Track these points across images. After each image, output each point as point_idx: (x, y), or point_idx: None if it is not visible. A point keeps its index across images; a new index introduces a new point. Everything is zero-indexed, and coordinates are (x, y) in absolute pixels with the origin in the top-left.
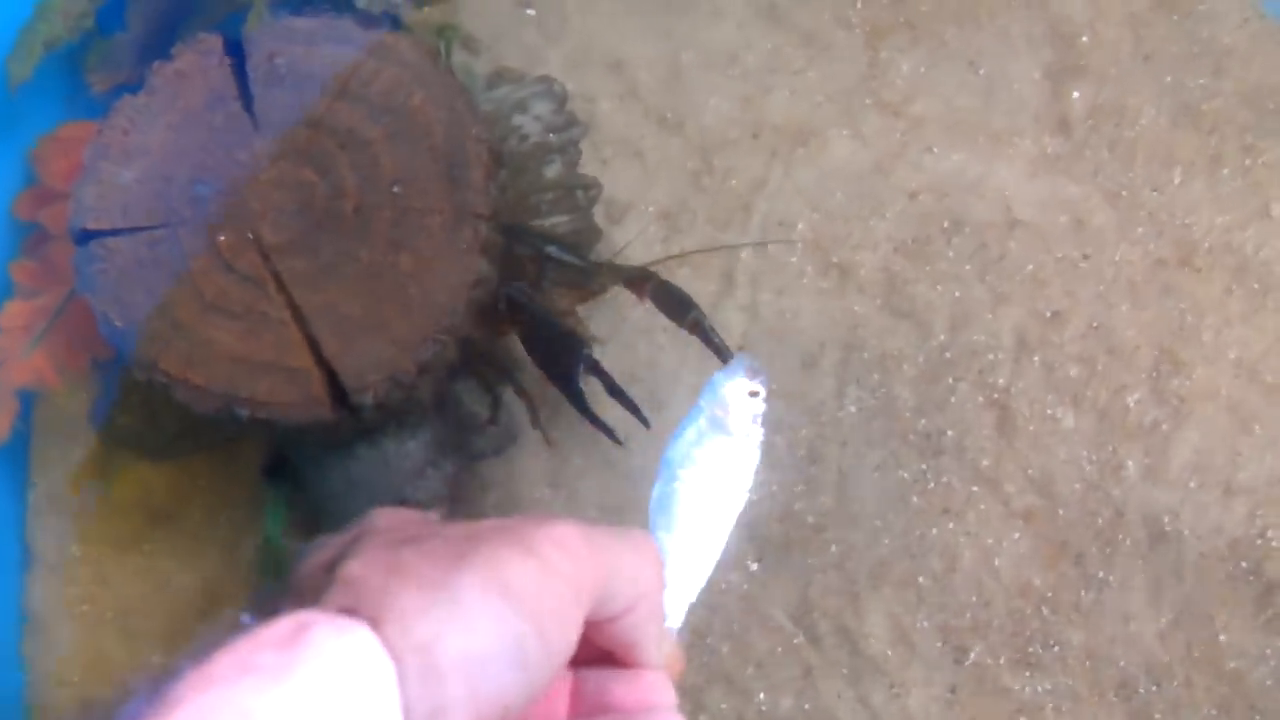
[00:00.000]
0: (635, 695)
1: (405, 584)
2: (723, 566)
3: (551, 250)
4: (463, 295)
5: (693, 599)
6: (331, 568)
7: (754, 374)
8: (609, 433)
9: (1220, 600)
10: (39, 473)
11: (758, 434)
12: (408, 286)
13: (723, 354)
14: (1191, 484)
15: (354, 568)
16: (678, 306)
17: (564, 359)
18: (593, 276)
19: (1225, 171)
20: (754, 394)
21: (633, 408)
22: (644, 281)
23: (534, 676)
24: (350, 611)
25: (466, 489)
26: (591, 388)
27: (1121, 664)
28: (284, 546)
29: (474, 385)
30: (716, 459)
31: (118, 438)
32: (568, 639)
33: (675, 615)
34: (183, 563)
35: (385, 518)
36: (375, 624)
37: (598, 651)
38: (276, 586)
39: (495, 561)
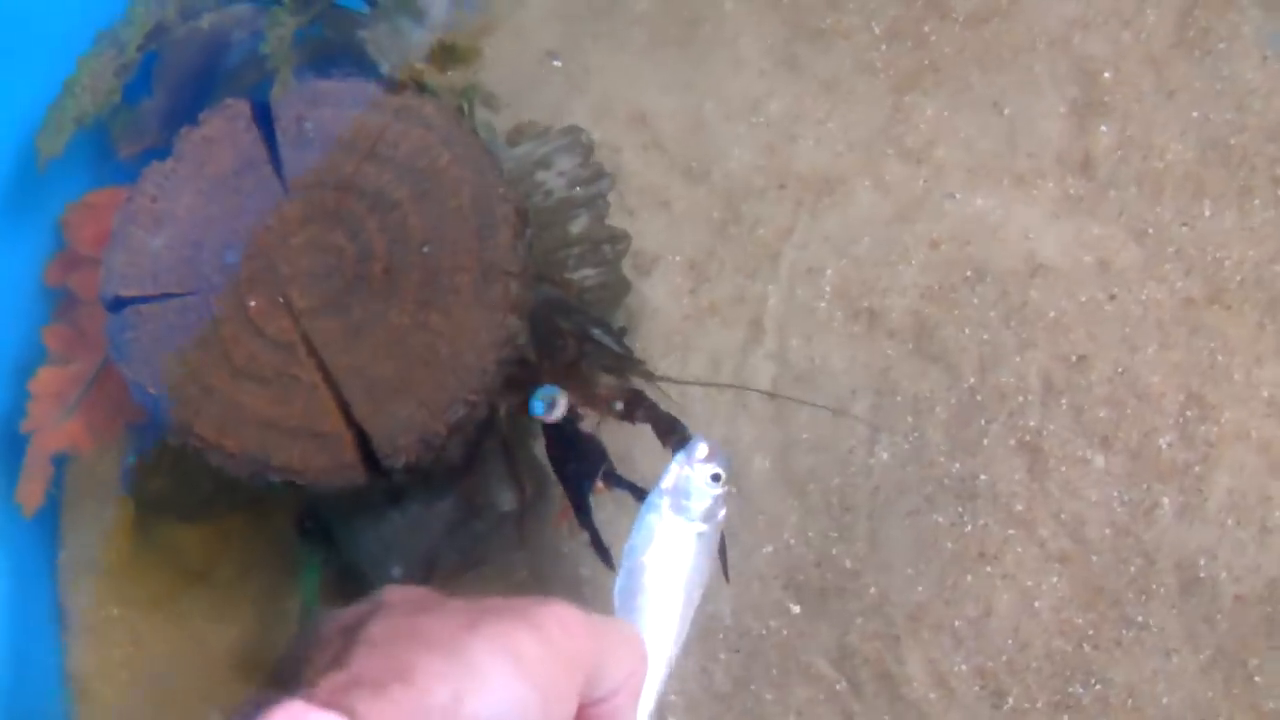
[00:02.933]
0: None
1: (426, 647)
2: (760, 615)
3: (595, 333)
4: (493, 354)
5: (659, 687)
6: (349, 632)
7: (715, 458)
8: (604, 556)
9: (1256, 643)
10: (70, 536)
11: (720, 518)
12: (438, 346)
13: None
14: (1228, 523)
15: (376, 631)
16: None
17: (583, 466)
18: (630, 367)
19: (1256, 202)
20: (716, 478)
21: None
22: (668, 433)
23: None
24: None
25: (496, 548)
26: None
27: (1165, 701)
28: (319, 614)
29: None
30: (678, 544)
31: (150, 500)
32: (566, 711)
33: (646, 703)
34: (216, 623)
35: (398, 593)
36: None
37: None
38: (287, 654)
39: (505, 632)
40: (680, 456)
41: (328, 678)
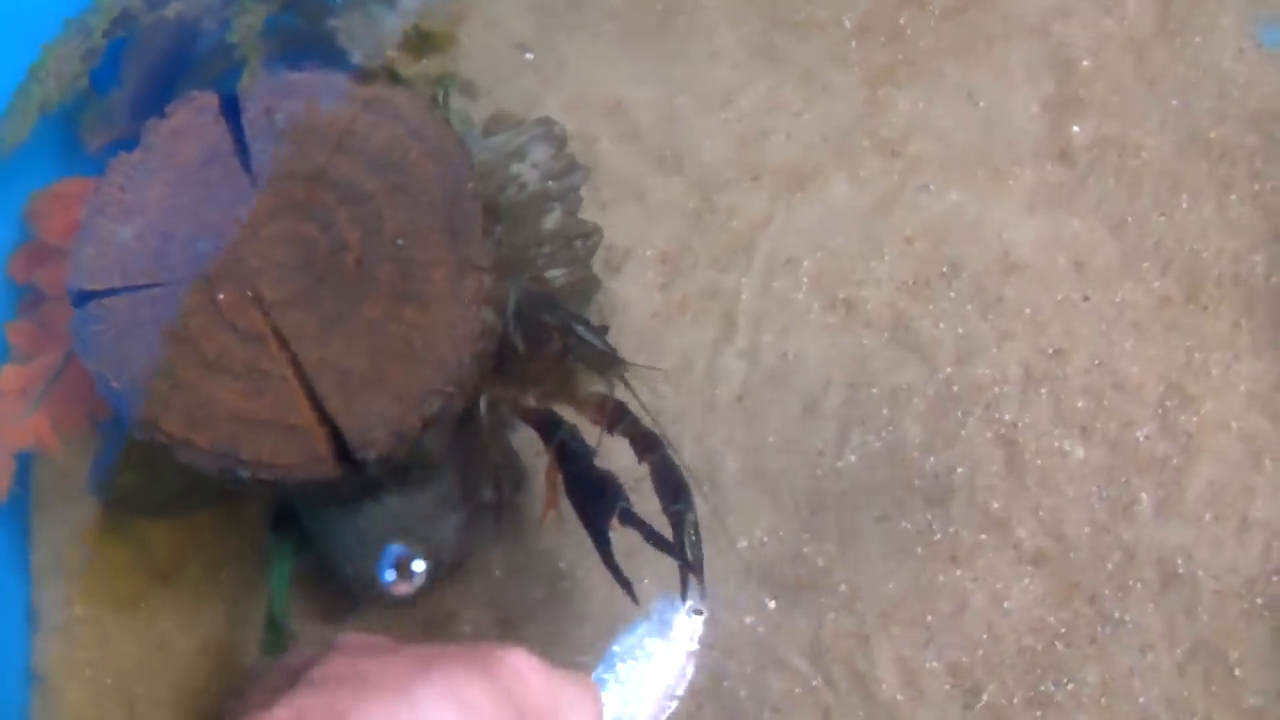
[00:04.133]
0: None
1: (370, 690)
2: (735, 611)
3: (580, 330)
4: (468, 348)
5: None
6: (293, 674)
7: (700, 597)
8: (628, 589)
9: (1235, 637)
10: (40, 533)
11: (693, 646)
12: (412, 340)
13: (695, 567)
14: (1206, 518)
15: (319, 673)
16: (670, 487)
17: (600, 504)
18: (613, 365)
19: (1234, 197)
20: (697, 613)
21: (680, 554)
22: (646, 450)
23: None
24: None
25: (475, 542)
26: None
27: (1140, 700)
28: (288, 619)
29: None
30: (654, 662)
31: (118, 496)
32: None
33: None
34: (184, 621)
35: (354, 638)
36: None
37: None
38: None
39: (456, 679)
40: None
41: (267, 711)
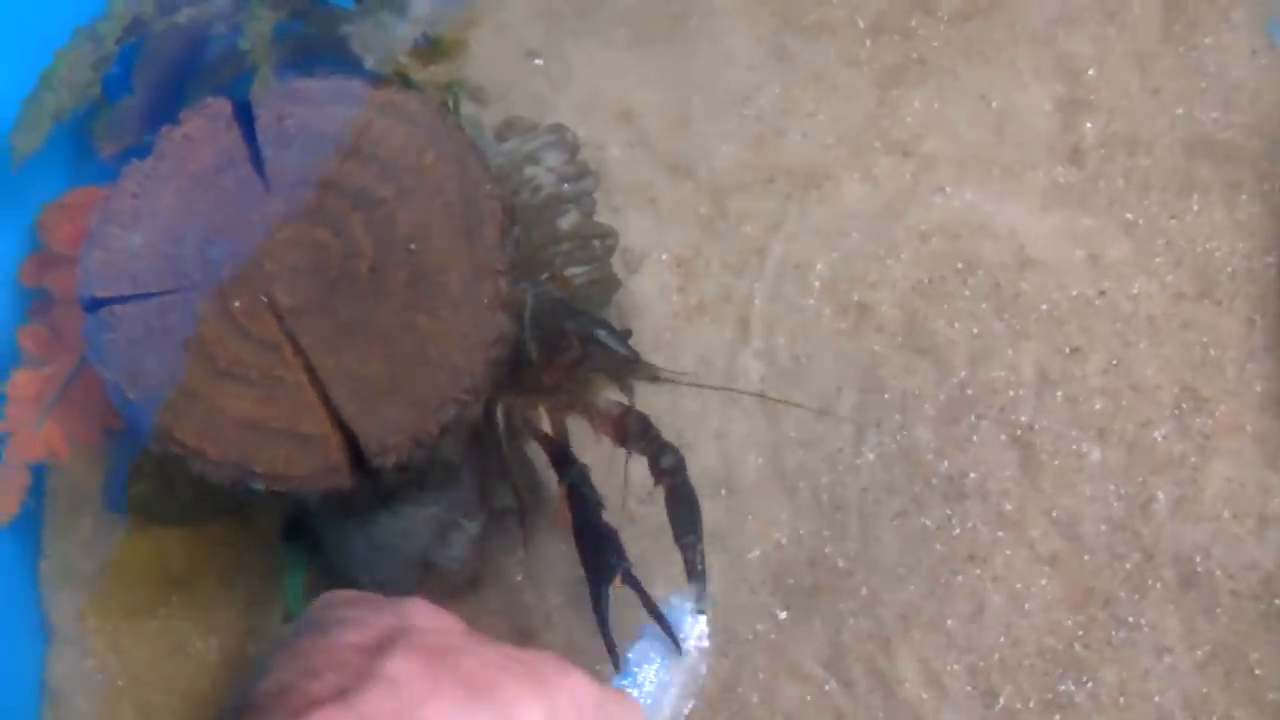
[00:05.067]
0: None
1: (439, 701)
2: (749, 616)
3: (600, 334)
4: (483, 354)
5: None
6: (368, 657)
7: (700, 600)
8: (613, 654)
9: (1255, 637)
10: (52, 543)
11: (704, 650)
12: (426, 346)
13: (697, 582)
14: (1225, 516)
15: (397, 667)
16: (684, 517)
17: (602, 562)
18: (635, 370)
19: (1244, 197)
20: (700, 612)
21: (667, 629)
22: (664, 472)
23: None
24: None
25: (494, 549)
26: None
27: (1157, 700)
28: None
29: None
30: (667, 666)
31: (132, 506)
32: None
33: None
34: (199, 630)
35: (427, 617)
36: None
37: None
38: (289, 628)
39: (516, 702)
40: (676, 597)
41: (335, 709)
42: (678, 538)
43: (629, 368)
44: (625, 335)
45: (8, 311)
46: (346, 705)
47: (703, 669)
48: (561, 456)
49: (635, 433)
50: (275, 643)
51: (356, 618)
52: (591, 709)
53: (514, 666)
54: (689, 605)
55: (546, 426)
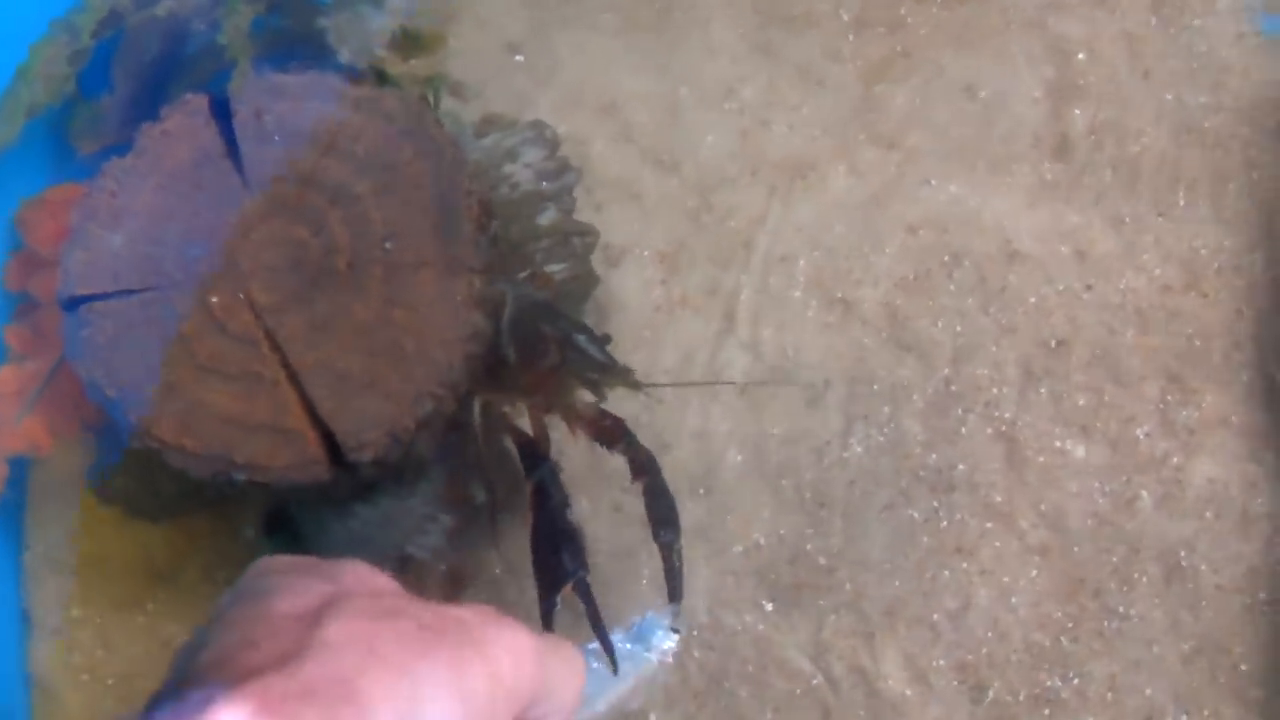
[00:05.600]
0: None
1: (379, 666)
2: (736, 611)
3: (580, 339)
4: (459, 350)
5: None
6: (306, 624)
7: (676, 619)
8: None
9: (1239, 632)
10: (35, 536)
11: (667, 658)
12: (403, 342)
13: (675, 591)
14: (1208, 514)
15: (335, 633)
16: (662, 515)
17: (558, 570)
18: (611, 376)
19: (1231, 186)
20: (674, 630)
21: (607, 645)
22: (642, 473)
23: None
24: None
25: (474, 541)
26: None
27: (1147, 692)
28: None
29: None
30: (632, 662)
31: (114, 500)
32: None
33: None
34: (183, 623)
35: (360, 579)
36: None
37: None
38: (224, 598)
39: (456, 662)
40: (652, 614)
41: (276, 678)
42: (655, 536)
43: (606, 375)
44: (605, 341)
45: None
46: (286, 674)
47: (660, 678)
48: (531, 453)
49: (614, 436)
50: (211, 613)
51: (291, 584)
52: (530, 660)
53: (451, 626)
54: (665, 621)
55: (526, 423)
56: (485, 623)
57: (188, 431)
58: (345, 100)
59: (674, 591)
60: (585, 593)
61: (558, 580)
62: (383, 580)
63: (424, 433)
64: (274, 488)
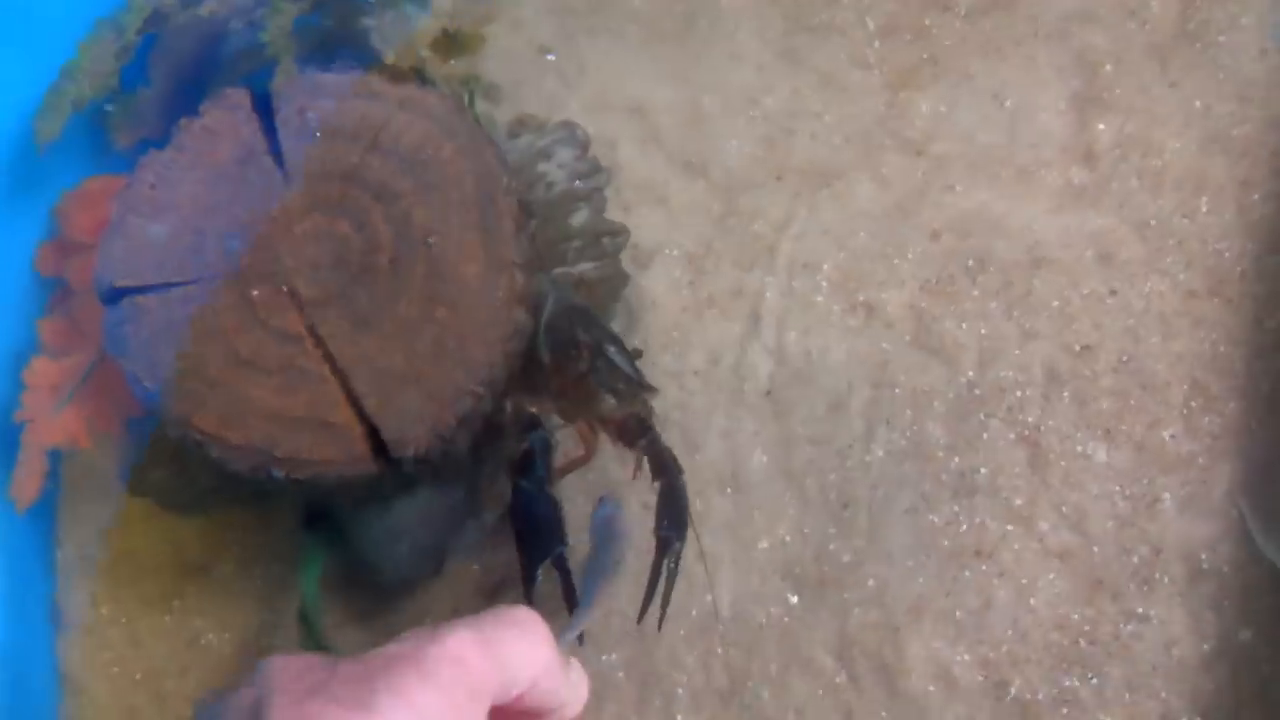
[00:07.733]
0: None
1: (331, 705)
2: (762, 604)
3: (610, 350)
4: (499, 349)
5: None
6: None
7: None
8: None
9: (1263, 632)
10: (68, 531)
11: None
12: (445, 339)
13: (653, 588)
14: (1232, 515)
15: (279, 703)
16: (673, 516)
17: (539, 543)
18: (638, 391)
19: (1256, 197)
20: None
21: (579, 621)
22: (662, 473)
23: None
24: None
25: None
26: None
27: (1164, 695)
28: (321, 616)
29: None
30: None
31: (149, 494)
32: None
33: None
34: (215, 619)
35: (284, 672)
36: None
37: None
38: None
39: (402, 689)
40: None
41: None
42: (658, 528)
43: (631, 387)
44: (635, 355)
45: (28, 299)
46: None
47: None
48: (540, 380)
49: (638, 433)
50: None
51: (223, 711)
52: (484, 665)
53: (380, 664)
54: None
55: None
56: (416, 646)
57: (229, 425)
58: (388, 99)
59: (652, 588)
60: (562, 569)
61: (540, 554)
62: (303, 659)
63: (462, 431)
64: (310, 483)
